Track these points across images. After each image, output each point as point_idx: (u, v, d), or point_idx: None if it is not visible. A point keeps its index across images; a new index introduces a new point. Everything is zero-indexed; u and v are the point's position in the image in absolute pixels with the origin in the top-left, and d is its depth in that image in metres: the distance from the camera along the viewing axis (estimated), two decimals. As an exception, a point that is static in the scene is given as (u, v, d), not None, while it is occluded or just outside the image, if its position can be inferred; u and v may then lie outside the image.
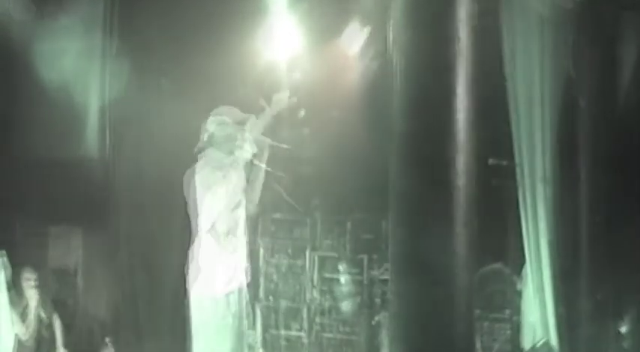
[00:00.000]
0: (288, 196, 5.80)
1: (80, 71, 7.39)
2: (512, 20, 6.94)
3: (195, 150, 5.49)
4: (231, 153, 5.41)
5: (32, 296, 7.03)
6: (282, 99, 5.54)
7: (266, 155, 5.52)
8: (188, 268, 5.43)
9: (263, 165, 5.51)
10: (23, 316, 7.02)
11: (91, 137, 7.46)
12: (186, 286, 5.42)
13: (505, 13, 6.91)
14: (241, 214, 5.47)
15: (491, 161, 7.09)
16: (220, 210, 5.29)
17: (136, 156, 7.54)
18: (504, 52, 6.96)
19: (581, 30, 6.91)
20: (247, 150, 5.38)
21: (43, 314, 7.09)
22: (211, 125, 5.47)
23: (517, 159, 7.01)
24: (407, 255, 4.52)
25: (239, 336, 5.41)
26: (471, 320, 4.62)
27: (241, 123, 5.44)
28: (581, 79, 6.93)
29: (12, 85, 7.29)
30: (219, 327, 5.32)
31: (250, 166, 5.46)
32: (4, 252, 6.84)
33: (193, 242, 5.40)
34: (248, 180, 5.51)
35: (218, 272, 5.36)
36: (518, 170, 7.00)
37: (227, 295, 5.37)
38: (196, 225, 5.38)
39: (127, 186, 7.58)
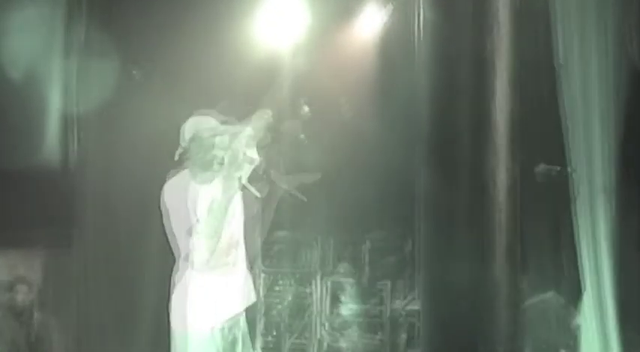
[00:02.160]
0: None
1: (42, 62, 6.81)
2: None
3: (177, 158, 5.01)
4: (211, 174, 4.89)
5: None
6: (263, 117, 4.99)
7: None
8: (171, 298, 4.90)
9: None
10: None
11: (53, 143, 6.89)
12: (169, 318, 4.90)
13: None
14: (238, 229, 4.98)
15: (540, 168, 6.38)
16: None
17: (105, 164, 6.95)
18: (555, 39, 6.29)
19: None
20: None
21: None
22: (188, 139, 4.98)
23: (573, 166, 6.34)
24: (440, 285, 4.31)
25: None
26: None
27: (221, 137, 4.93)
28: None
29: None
30: None
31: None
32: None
33: (177, 267, 4.87)
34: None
35: (209, 300, 4.83)
36: (573, 179, 6.33)
37: (220, 328, 4.84)
38: (181, 242, 4.85)
39: (94, 199, 6.98)
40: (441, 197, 4.26)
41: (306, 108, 6.88)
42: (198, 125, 4.99)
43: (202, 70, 6.67)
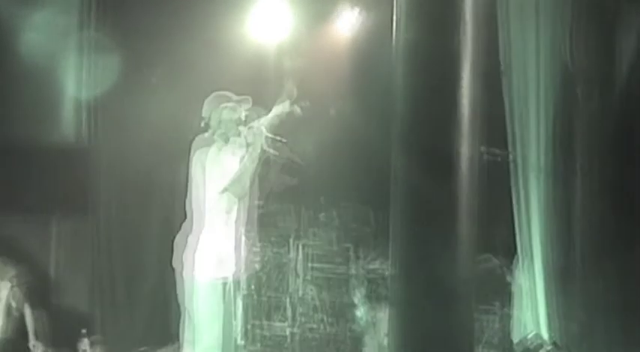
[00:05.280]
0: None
1: (57, 52, 7.20)
2: (507, 7, 6.86)
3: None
4: (227, 140, 5.52)
5: (3, 286, 6.82)
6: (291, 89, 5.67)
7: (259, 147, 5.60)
8: (184, 252, 5.47)
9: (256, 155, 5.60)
10: None
11: (68, 121, 7.33)
12: (182, 271, 5.46)
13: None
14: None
15: (484, 150, 6.65)
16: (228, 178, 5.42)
17: (116, 141, 7.38)
18: (500, 40, 6.86)
19: (578, 16, 6.79)
20: (244, 140, 5.53)
21: (13, 305, 6.86)
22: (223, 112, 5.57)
23: (511, 150, 6.95)
24: (409, 247, 4.37)
25: (229, 324, 5.56)
26: (471, 312, 4.51)
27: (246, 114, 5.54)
28: (578, 68, 6.80)
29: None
30: (215, 314, 5.42)
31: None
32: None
33: (193, 225, 5.47)
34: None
35: (220, 255, 5.50)
36: (512, 161, 6.95)
37: (224, 279, 5.50)
38: (202, 202, 5.47)
39: (106, 173, 7.43)
40: (409, 172, 4.33)
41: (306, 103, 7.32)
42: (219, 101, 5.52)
43: (199, 64, 7.03)
